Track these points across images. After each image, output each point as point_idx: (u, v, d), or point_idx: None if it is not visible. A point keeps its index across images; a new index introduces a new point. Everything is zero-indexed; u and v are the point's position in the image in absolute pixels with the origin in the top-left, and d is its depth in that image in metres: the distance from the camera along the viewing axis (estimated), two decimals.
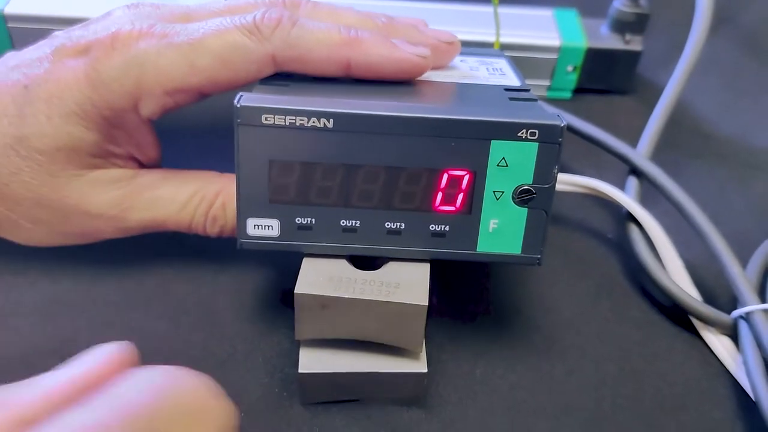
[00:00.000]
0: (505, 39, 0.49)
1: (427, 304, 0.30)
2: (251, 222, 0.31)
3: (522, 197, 0.30)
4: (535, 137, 0.29)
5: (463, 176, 0.30)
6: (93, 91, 0.32)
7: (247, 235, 0.31)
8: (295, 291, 0.30)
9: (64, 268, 0.38)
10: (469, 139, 0.29)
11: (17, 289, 0.37)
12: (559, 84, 0.51)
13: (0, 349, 0.34)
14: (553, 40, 0.50)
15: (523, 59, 0.49)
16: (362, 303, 0.30)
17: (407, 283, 0.31)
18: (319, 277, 0.31)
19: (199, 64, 0.31)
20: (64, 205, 0.34)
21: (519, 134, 0.29)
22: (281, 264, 0.39)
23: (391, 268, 0.32)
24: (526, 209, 0.30)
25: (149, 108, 0.33)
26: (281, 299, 0.37)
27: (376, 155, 0.29)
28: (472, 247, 0.31)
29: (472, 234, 0.31)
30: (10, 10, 0.48)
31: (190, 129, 0.45)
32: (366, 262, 0.33)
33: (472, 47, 0.41)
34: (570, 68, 0.51)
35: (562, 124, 0.29)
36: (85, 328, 0.35)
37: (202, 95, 0.34)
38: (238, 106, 0.29)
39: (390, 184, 0.30)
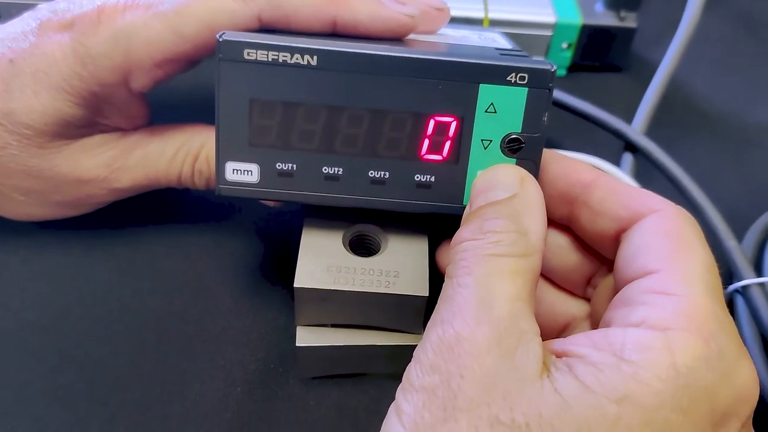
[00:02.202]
0: (500, 15, 0.49)
1: (427, 294, 0.30)
2: (230, 166, 0.30)
3: (511, 146, 0.29)
4: (525, 82, 0.28)
5: (450, 123, 0.29)
6: (81, 66, 0.31)
7: (225, 180, 0.30)
8: (294, 285, 0.30)
9: (55, 246, 0.37)
10: (457, 82, 0.28)
11: (8, 266, 0.36)
12: (553, 61, 0.50)
13: None
14: (548, 16, 0.49)
15: (517, 36, 0.49)
16: (362, 295, 0.30)
17: (407, 271, 0.31)
18: (317, 267, 0.30)
19: (186, 32, 0.31)
20: (55, 174, 0.33)
21: (508, 78, 0.28)
22: (276, 239, 0.38)
23: (389, 253, 0.31)
24: (515, 160, 0.29)
25: (140, 81, 0.32)
26: (275, 276, 0.37)
27: (361, 97, 0.28)
28: (459, 200, 0.30)
29: (458, 185, 0.30)
30: None
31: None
32: (363, 246, 0.32)
33: (465, 25, 0.41)
34: (565, 45, 0.50)
35: (553, 69, 0.28)
36: (76, 305, 0.35)
37: (193, 63, 0.33)
38: (221, 40, 0.28)
39: (374, 129, 0.29)
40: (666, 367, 0.22)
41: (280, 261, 0.38)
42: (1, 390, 0.32)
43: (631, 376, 0.22)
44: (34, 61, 0.32)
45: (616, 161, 0.43)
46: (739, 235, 0.39)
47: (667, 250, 0.25)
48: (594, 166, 0.30)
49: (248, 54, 0.28)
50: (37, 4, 0.35)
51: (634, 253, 0.26)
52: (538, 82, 0.28)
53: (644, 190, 0.28)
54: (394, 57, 0.28)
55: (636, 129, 0.44)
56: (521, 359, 0.23)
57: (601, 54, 0.51)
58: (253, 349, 0.34)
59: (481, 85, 0.28)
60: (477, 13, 0.48)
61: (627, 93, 0.50)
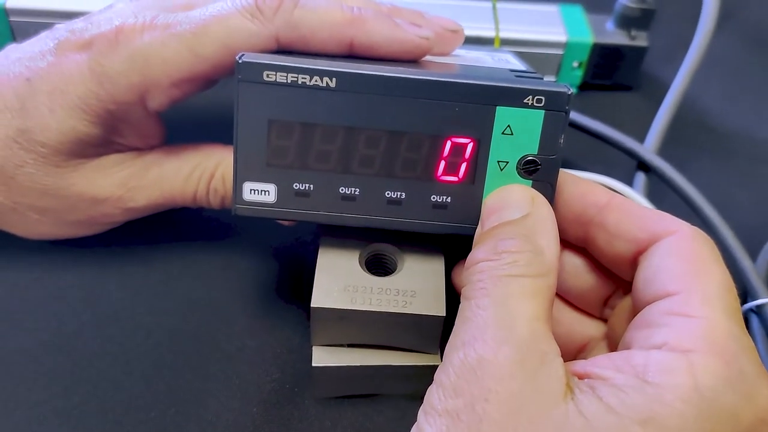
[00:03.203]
0: (511, 34, 0.49)
1: (445, 314, 0.30)
2: (247, 186, 0.30)
3: (527, 168, 0.29)
4: (542, 104, 0.28)
5: (466, 144, 0.29)
6: (98, 85, 0.31)
7: (242, 200, 0.30)
8: (311, 304, 0.30)
9: (69, 264, 0.37)
10: (474, 105, 0.28)
11: (22, 284, 0.36)
12: (564, 79, 0.51)
13: (5, 345, 0.34)
14: (559, 35, 0.50)
15: (528, 55, 0.49)
16: (379, 315, 0.30)
17: (424, 291, 0.30)
18: (334, 287, 0.30)
19: (203, 52, 0.31)
20: (70, 192, 0.33)
21: (525, 101, 0.28)
22: (289, 258, 0.38)
23: (405, 273, 0.31)
24: (531, 181, 0.29)
25: (157, 100, 0.33)
26: (289, 295, 0.37)
27: (379, 118, 0.29)
28: (475, 221, 0.29)
29: (475, 206, 0.30)
30: (11, 3, 0.47)
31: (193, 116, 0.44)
32: (379, 265, 0.32)
33: (477, 46, 0.41)
34: (576, 64, 0.50)
35: (570, 92, 0.28)
36: (90, 325, 0.35)
37: (209, 83, 0.33)
38: (240, 62, 0.28)
39: (391, 150, 0.29)
40: (689, 389, 0.22)
41: (294, 280, 0.38)
42: (16, 410, 0.32)
43: (655, 398, 0.22)
44: (51, 80, 0.32)
45: (629, 181, 0.43)
46: (753, 254, 0.39)
47: (686, 271, 0.25)
48: (610, 189, 0.30)
49: (267, 75, 0.28)
50: (53, 24, 0.35)
51: (653, 274, 0.26)
52: (555, 104, 0.28)
53: (660, 212, 0.28)
54: (412, 79, 0.28)
55: (648, 148, 0.44)
56: (545, 381, 0.23)
57: (611, 73, 0.51)
58: (268, 369, 0.34)
59: (498, 107, 0.28)
60: (488, 33, 0.49)
61: (638, 112, 0.50)
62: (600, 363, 0.24)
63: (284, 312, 0.36)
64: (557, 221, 0.28)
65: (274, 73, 0.28)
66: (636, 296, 0.27)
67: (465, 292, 0.26)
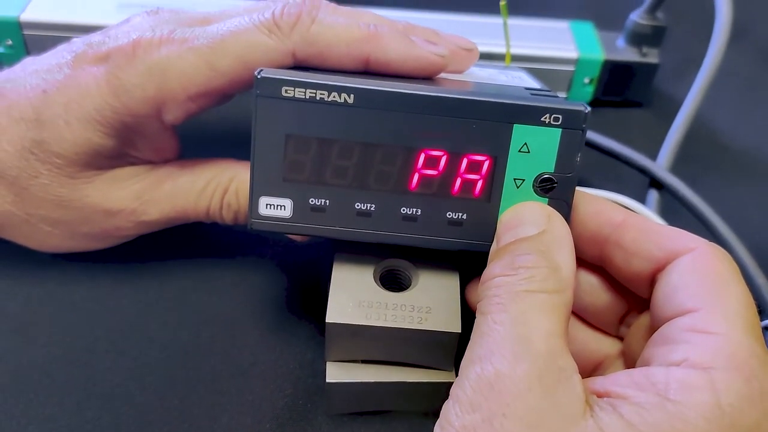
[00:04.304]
0: (523, 51, 0.49)
1: (460, 331, 0.30)
2: (264, 201, 0.30)
3: (543, 186, 0.29)
4: (559, 123, 0.28)
5: (483, 161, 0.29)
6: (114, 98, 0.32)
7: (258, 215, 0.30)
8: (326, 320, 0.30)
9: (82, 278, 0.37)
10: (491, 122, 0.28)
11: (35, 298, 0.36)
12: (575, 96, 0.51)
13: (19, 359, 0.34)
14: (571, 52, 0.50)
15: (540, 71, 0.49)
16: (394, 331, 0.30)
17: (439, 307, 0.30)
18: (349, 302, 0.30)
19: (220, 66, 0.31)
20: (84, 204, 0.33)
21: (542, 119, 0.28)
22: (302, 273, 0.38)
23: (420, 289, 0.31)
24: (547, 199, 0.29)
25: (173, 114, 0.33)
26: (302, 310, 0.37)
27: (395, 135, 0.29)
28: (490, 238, 0.29)
29: (490, 223, 0.30)
30: (26, 17, 0.47)
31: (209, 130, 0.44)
32: (394, 281, 0.32)
33: (489, 63, 0.41)
34: (587, 80, 0.50)
35: (586, 110, 0.28)
36: (103, 338, 0.35)
37: (226, 97, 0.33)
38: (258, 77, 0.28)
39: (407, 166, 0.29)
40: (711, 406, 0.22)
41: (307, 295, 0.37)
42: (28, 424, 0.31)
43: (677, 415, 0.22)
44: (67, 92, 0.32)
45: (641, 198, 0.43)
46: (766, 271, 0.38)
47: (706, 288, 0.25)
48: (623, 206, 0.30)
49: (286, 91, 0.28)
50: (68, 37, 0.35)
51: (672, 291, 0.26)
52: (572, 122, 0.28)
53: (677, 229, 0.28)
54: (430, 96, 0.28)
55: (661, 165, 0.44)
56: (563, 397, 0.23)
57: (623, 89, 0.51)
58: (281, 385, 0.34)
59: (515, 125, 0.28)
60: (500, 49, 0.49)
61: (649, 129, 0.50)
62: (619, 380, 0.23)
63: (297, 327, 0.36)
64: (573, 240, 0.27)
65: (293, 88, 0.28)
66: (655, 313, 0.27)
67: (481, 307, 0.26)
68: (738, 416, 0.22)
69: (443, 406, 0.24)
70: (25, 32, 0.48)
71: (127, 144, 0.34)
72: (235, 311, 0.36)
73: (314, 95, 0.28)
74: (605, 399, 0.23)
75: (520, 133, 0.28)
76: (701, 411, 0.22)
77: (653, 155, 0.46)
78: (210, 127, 0.43)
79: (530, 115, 0.28)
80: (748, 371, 0.23)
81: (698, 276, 0.26)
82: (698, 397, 0.22)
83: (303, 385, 0.34)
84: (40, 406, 0.32)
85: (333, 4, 0.34)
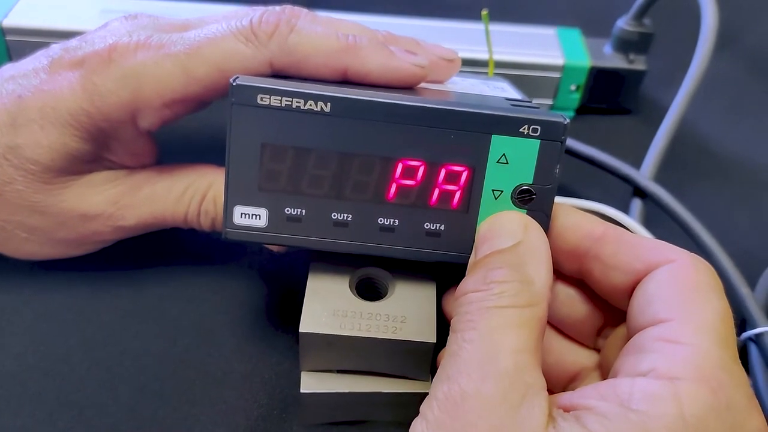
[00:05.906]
0: (508, 57, 0.49)
1: (435, 341, 0.29)
2: (238, 210, 0.29)
3: (522, 197, 0.29)
4: (537, 134, 0.28)
5: (461, 172, 0.29)
6: (89, 103, 0.31)
7: (233, 224, 0.29)
8: (299, 330, 0.29)
9: (58, 287, 0.37)
10: (470, 132, 0.28)
11: (9, 307, 0.36)
12: (562, 103, 0.51)
13: None
14: (557, 58, 0.49)
15: (526, 78, 0.49)
16: (368, 341, 0.29)
17: (414, 317, 0.30)
18: (324, 312, 0.30)
19: (196, 73, 0.31)
20: (60, 209, 0.33)
21: (521, 130, 0.28)
22: (280, 281, 0.38)
23: (396, 298, 0.31)
24: (525, 210, 0.29)
25: (148, 120, 0.32)
26: (280, 319, 0.36)
27: (373, 144, 0.28)
28: (468, 249, 0.29)
29: (468, 235, 0.29)
30: (8, 22, 0.47)
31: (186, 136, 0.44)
32: (370, 290, 0.32)
33: (473, 74, 0.40)
34: (573, 87, 0.50)
35: (566, 122, 0.28)
36: (77, 348, 0.34)
37: (202, 104, 0.33)
38: (234, 84, 0.28)
39: (384, 176, 0.29)
40: (674, 417, 0.22)
41: (284, 304, 0.37)
42: None
43: (639, 425, 0.21)
44: (42, 96, 0.32)
45: (625, 207, 0.42)
46: (752, 281, 0.38)
47: (681, 299, 0.25)
48: (603, 219, 0.29)
49: (261, 99, 0.28)
50: (50, 43, 0.35)
51: (647, 301, 0.26)
52: (551, 134, 0.28)
53: (658, 241, 0.28)
54: (408, 106, 0.28)
55: (645, 174, 0.44)
56: (526, 412, 0.22)
57: (609, 96, 0.51)
58: (255, 395, 0.33)
59: (493, 135, 0.28)
60: (485, 56, 0.48)
61: (636, 135, 0.50)
62: (585, 394, 0.23)
63: (273, 337, 0.35)
64: (551, 254, 0.27)
65: (269, 96, 0.28)
66: (630, 323, 0.27)
67: (453, 324, 0.25)
68: (702, 428, 0.22)
69: (413, 423, 0.24)
70: (8, 38, 0.47)
71: (103, 148, 0.33)
72: (211, 320, 0.36)
73: (290, 103, 0.28)
74: (571, 412, 0.23)
75: (499, 143, 0.28)
76: (664, 422, 0.21)
77: (640, 163, 0.45)
78: (189, 133, 0.43)
79: (508, 125, 0.28)
80: (715, 383, 0.22)
81: (675, 286, 0.25)
82: (661, 408, 0.22)
83: (279, 395, 0.33)
84: (12, 416, 0.32)
85: (312, 13, 0.33)
